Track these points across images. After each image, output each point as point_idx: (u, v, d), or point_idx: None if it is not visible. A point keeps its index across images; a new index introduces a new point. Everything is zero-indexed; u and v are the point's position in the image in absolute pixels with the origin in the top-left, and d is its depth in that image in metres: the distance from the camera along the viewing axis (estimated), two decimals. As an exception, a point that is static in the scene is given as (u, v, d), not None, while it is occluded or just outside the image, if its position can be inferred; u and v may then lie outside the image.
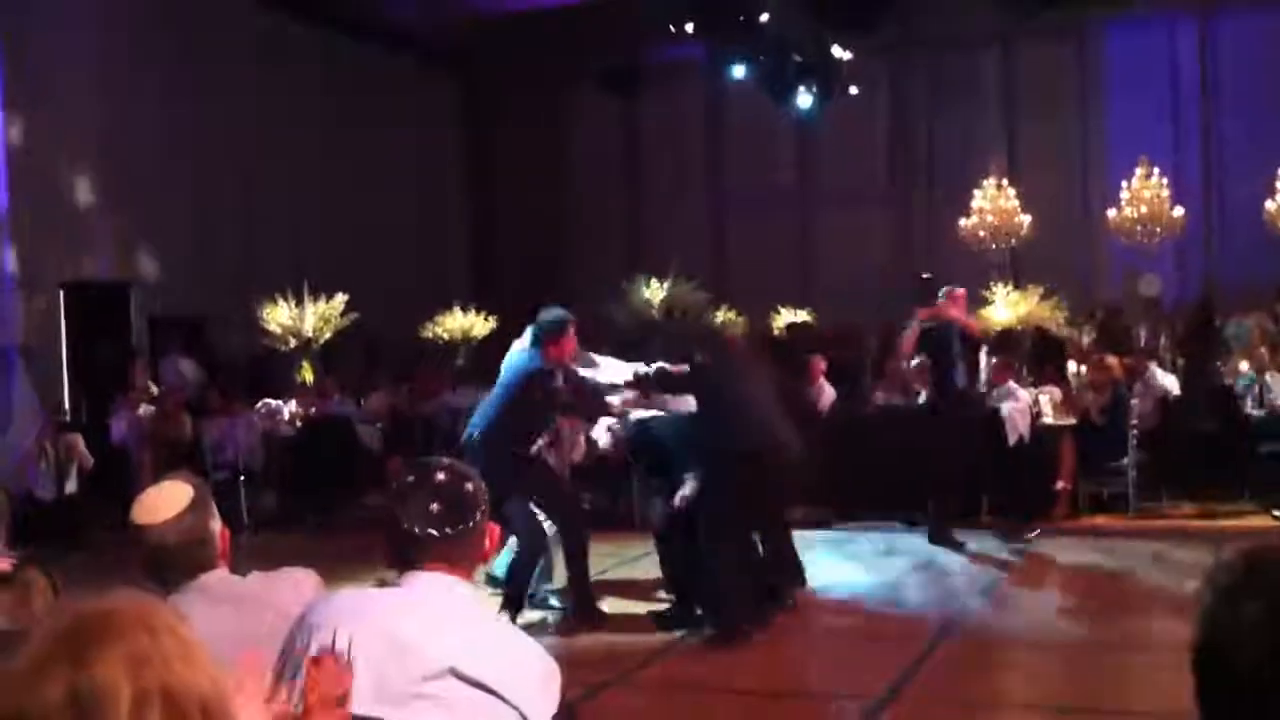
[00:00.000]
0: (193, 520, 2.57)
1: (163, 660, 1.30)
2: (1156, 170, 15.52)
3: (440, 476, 2.27)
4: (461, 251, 19.52)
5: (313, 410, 12.11)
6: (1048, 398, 10.45)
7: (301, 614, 2.21)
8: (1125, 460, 9.78)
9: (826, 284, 17.34)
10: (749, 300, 16.60)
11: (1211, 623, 1.18)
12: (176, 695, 1.29)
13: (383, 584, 2.33)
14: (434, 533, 2.22)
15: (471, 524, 2.25)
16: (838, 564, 8.39)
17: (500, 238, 19.29)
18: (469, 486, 2.27)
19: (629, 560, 8.51)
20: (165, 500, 2.57)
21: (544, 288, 17.54)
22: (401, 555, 2.25)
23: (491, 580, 7.06)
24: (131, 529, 2.57)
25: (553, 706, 2.16)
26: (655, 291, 15.30)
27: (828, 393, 11.82)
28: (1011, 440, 9.90)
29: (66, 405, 12.82)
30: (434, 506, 2.23)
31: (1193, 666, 1.18)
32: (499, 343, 15.22)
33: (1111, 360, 10.73)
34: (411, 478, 2.29)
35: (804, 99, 14.69)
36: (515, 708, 2.09)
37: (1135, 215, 15.48)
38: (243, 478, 11.15)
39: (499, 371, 7.03)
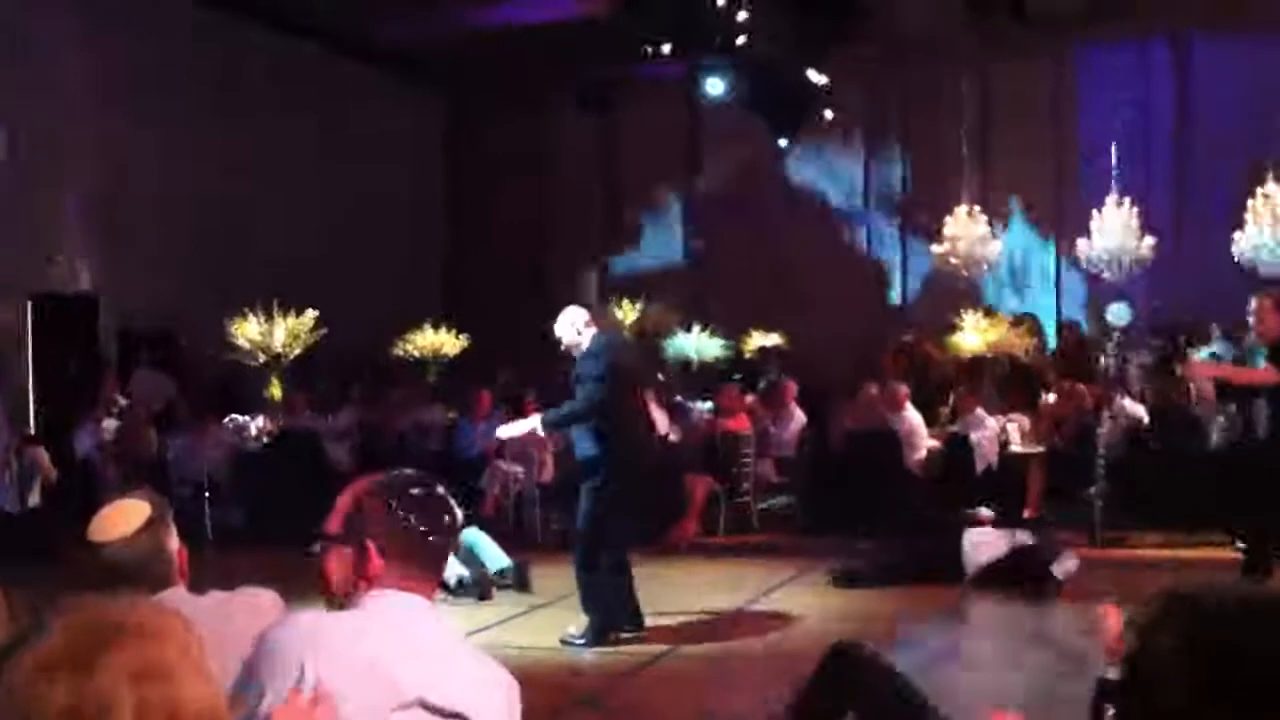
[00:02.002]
0: (149, 538, 2.54)
1: (167, 672, 1.28)
2: (1127, 200, 15.61)
3: (396, 493, 2.25)
4: (436, 269, 19.47)
5: (293, 424, 12.02)
6: (1015, 426, 10.51)
7: (262, 635, 2.17)
8: (1092, 490, 9.82)
9: (803, 306, 17.33)
10: (725, 321, 16.62)
11: (1132, 658, 1.20)
12: (179, 708, 1.28)
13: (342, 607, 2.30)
14: (388, 550, 2.19)
15: (428, 541, 2.23)
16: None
17: (475, 256, 19.24)
18: (425, 504, 2.25)
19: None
20: (122, 517, 2.54)
21: (519, 306, 17.55)
22: (357, 573, 2.23)
23: None
24: (86, 546, 2.54)
25: (518, 725, 2.17)
26: (629, 311, 15.28)
27: (798, 418, 11.85)
28: (980, 468, 9.95)
29: (32, 417, 12.69)
30: (390, 524, 2.21)
31: (1116, 701, 1.20)
32: (471, 360, 15.29)
33: (1081, 389, 10.80)
34: (369, 494, 2.28)
35: (779, 121, 14.76)
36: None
37: (1105, 244, 15.54)
38: (207, 493, 11.06)
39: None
